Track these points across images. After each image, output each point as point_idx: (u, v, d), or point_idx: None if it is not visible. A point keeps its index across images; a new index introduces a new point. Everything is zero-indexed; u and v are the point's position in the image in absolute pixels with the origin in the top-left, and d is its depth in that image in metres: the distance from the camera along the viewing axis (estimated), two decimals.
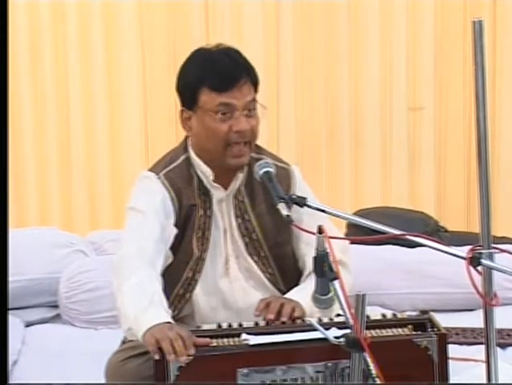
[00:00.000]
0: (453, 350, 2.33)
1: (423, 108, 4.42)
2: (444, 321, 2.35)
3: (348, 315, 1.93)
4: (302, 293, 2.41)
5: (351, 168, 4.46)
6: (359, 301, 1.89)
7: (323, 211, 2.17)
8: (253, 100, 2.47)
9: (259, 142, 2.58)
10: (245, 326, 2.28)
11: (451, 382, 2.24)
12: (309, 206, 2.18)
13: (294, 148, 4.38)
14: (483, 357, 2.03)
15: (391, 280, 3.61)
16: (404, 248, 3.61)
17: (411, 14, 4.37)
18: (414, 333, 2.22)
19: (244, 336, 2.19)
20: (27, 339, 3.36)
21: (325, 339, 2.02)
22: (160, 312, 2.24)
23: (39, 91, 4.29)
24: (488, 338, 1.99)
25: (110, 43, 4.29)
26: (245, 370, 2.11)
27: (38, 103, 4.30)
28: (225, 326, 2.28)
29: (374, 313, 2.30)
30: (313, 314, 2.32)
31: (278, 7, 4.33)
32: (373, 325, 2.23)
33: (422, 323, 2.26)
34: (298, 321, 2.33)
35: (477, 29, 1.89)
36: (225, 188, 2.53)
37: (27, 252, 3.63)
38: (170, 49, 4.26)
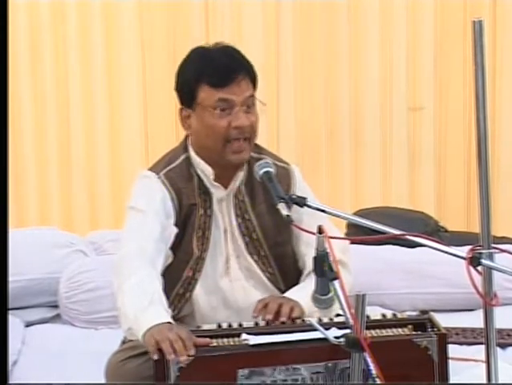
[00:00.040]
0: (453, 350, 2.33)
1: (423, 108, 4.42)
2: (444, 321, 2.35)
3: (348, 315, 1.93)
4: (302, 293, 2.41)
5: (351, 168, 4.46)
6: (359, 301, 1.89)
7: (323, 211, 2.17)
8: (252, 96, 2.47)
9: (259, 142, 2.58)
10: (245, 326, 2.28)
11: (451, 382, 2.24)
12: (309, 206, 2.18)
13: (294, 148, 4.38)
14: (483, 357, 2.03)
15: (391, 280, 3.61)
16: (404, 248, 3.61)
17: (411, 14, 4.37)
18: (414, 333, 2.22)
19: (244, 336, 2.19)
20: (27, 339, 3.36)
21: (325, 339, 2.02)
22: (160, 312, 2.24)
23: (39, 91, 4.29)
24: (488, 338, 1.99)
25: (110, 43, 4.30)
26: (245, 371, 2.11)
27: (38, 103, 4.30)
28: (225, 326, 2.28)
29: (374, 313, 2.30)
30: (312, 313, 2.32)
31: (278, 7, 4.33)
32: (373, 325, 2.23)
33: (422, 323, 2.26)
34: (298, 321, 2.33)
35: (477, 29, 1.89)
36: (225, 187, 2.53)
37: (27, 252, 3.63)
38: (170, 49, 4.26)
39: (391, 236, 2.04)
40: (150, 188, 2.50)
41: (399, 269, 3.63)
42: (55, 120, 4.31)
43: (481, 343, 2.04)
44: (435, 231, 3.87)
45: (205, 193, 2.53)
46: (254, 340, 2.16)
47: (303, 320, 2.33)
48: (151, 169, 2.57)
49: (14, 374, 3.06)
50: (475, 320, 2.77)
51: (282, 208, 2.16)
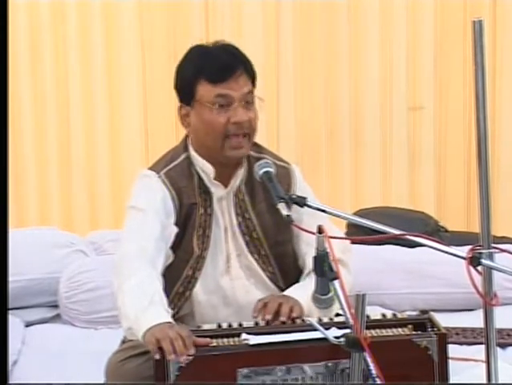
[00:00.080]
0: (453, 350, 2.33)
1: (423, 108, 4.42)
2: (444, 321, 2.35)
3: (348, 315, 1.93)
4: (301, 291, 2.41)
5: (351, 168, 4.46)
6: (359, 301, 1.89)
7: (323, 211, 2.17)
8: (251, 92, 2.47)
9: (259, 141, 2.58)
10: (245, 325, 2.28)
11: (451, 382, 2.23)
12: (309, 206, 2.18)
13: (294, 148, 4.38)
14: (483, 357, 2.03)
15: (391, 280, 3.61)
16: (404, 248, 3.61)
17: (411, 14, 4.37)
18: (414, 333, 2.22)
19: (244, 336, 2.19)
20: (27, 339, 3.36)
21: (325, 339, 2.02)
22: (160, 312, 2.24)
23: (39, 91, 4.29)
24: (488, 338, 2.00)
25: (110, 43, 4.29)
26: (245, 370, 2.11)
27: (38, 103, 4.30)
28: (225, 325, 2.28)
29: (374, 313, 2.30)
30: (312, 312, 2.32)
31: (278, 7, 4.33)
32: (373, 325, 2.23)
33: (422, 323, 2.26)
34: (298, 321, 2.33)
35: (477, 29, 1.89)
36: (225, 185, 2.53)
37: (27, 252, 3.63)
38: (170, 49, 4.26)
39: (391, 236, 2.05)
40: (150, 188, 2.50)
41: (399, 269, 3.63)
42: (55, 120, 4.31)
43: (481, 343, 2.04)
44: (435, 231, 3.87)
45: (206, 192, 2.53)
46: (254, 340, 2.16)
47: (303, 320, 2.32)
48: (151, 168, 2.57)
49: (14, 374, 3.06)
50: (475, 320, 2.77)
51: (282, 208, 2.16)
